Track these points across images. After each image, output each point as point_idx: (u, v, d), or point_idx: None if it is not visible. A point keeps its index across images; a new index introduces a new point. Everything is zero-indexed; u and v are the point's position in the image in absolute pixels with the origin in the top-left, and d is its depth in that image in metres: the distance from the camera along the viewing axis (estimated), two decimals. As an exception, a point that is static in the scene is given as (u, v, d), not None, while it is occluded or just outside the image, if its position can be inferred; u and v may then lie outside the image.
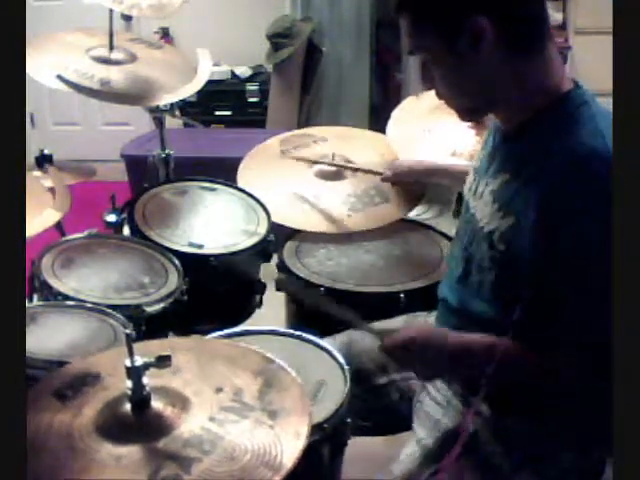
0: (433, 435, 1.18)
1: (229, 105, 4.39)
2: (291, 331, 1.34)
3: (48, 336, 1.32)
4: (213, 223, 1.79)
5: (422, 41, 1.09)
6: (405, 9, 1.09)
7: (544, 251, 1.01)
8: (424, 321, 1.42)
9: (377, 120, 4.14)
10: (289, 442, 0.86)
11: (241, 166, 1.89)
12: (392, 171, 1.75)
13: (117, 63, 1.85)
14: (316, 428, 1.06)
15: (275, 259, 1.76)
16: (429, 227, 1.87)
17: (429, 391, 1.26)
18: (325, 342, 1.31)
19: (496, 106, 1.13)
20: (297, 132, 2.07)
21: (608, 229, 0.88)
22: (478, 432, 1.13)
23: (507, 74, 1.06)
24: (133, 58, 1.90)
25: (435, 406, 1.22)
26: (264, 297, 1.86)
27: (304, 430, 0.88)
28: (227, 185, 1.90)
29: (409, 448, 1.20)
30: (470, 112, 1.16)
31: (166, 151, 2.08)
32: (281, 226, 1.78)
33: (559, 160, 1.00)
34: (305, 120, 4.32)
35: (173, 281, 1.57)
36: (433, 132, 1.84)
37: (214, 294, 1.72)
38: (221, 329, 1.31)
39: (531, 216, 1.02)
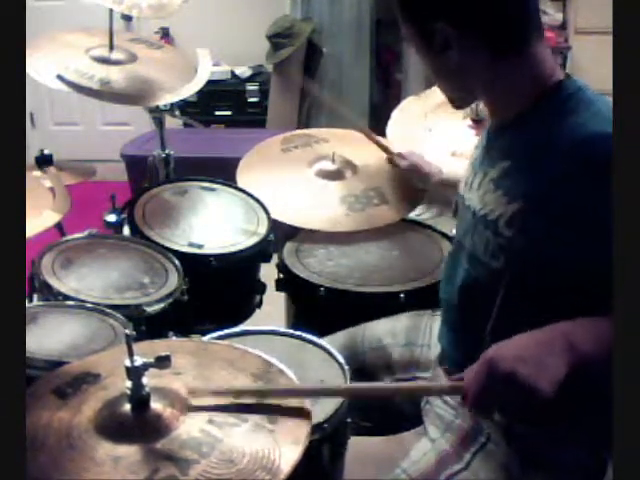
0: (447, 436, 1.17)
1: (229, 105, 4.39)
2: (291, 331, 1.34)
3: (48, 336, 1.32)
4: (213, 223, 1.79)
5: (407, 33, 1.13)
6: (394, 5, 1.12)
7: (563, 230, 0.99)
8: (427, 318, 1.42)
9: (377, 120, 4.14)
10: (288, 446, 0.86)
11: (240, 166, 1.89)
12: (409, 160, 1.74)
13: (117, 63, 1.86)
14: (316, 428, 1.06)
15: (275, 259, 1.76)
16: (429, 227, 1.87)
17: None
18: (327, 341, 1.31)
19: (481, 99, 1.17)
20: (297, 132, 2.07)
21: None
22: (490, 435, 1.13)
23: (489, 73, 1.08)
24: (133, 58, 1.90)
25: (447, 408, 1.22)
26: (264, 297, 1.87)
27: (303, 435, 0.88)
28: (227, 185, 1.90)
29: (421, 447, 1.19)
30: (454, 101, 1.19)
31: (166, 151, 2.09)
32: (281, 226, 1.78)
33: (564, 142, 1.00)
34: (305, 120, 4.32)
35: (173, 281, 1.57)
36: (433, 132, 1.84)
37: (214, 294, 1.72)
38: (221, 329, 1.31)
39: (543, 197, 1.01)
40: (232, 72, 4.42)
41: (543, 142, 1.04)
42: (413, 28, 1.10)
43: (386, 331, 1.43)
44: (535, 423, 1.06)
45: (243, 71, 4.44)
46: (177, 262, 1.61)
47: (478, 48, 1.05)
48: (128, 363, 0.90)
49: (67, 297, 1.44)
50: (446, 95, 1.18)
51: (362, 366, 1.37)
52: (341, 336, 1.44)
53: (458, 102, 1.20)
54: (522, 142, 1.09)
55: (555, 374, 0.88)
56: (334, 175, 1.85)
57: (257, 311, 1.87)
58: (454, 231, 1.80)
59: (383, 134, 1.90)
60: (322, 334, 1.35)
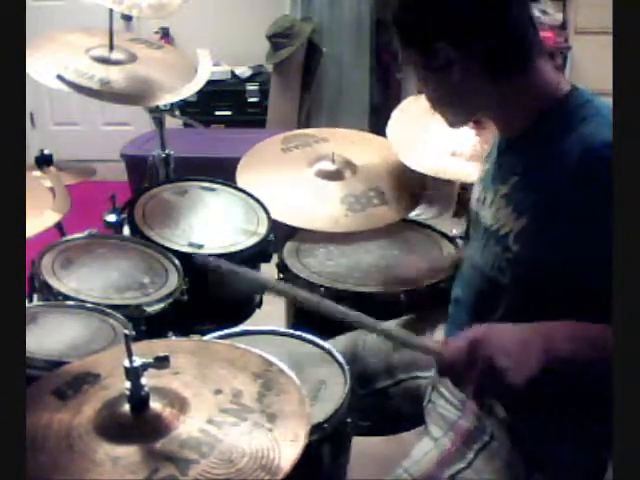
0: (450, 435, 1.17)
1: (229, 105, 4.38)
2: (291, 331, 1.34)
3: (48, 336, 1.32)
4: (213, 223, 1.79)
5: (406, 56, 1.13)
6: (393, 25, 1.12)
7: (572, 240, 1.01)
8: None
9: (377, 120, 4.14)
10: (287, 445, 0.86)
11: (240, 166, 1.89)
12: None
13: (117, 63, 1.86)
14: (316, 428, 1.06)
15: (275, 259, 1.76)
16: (429, 227, 1.87)
17: (442, 392, 1.26)
18: (326, 342, 1.31)
19: (486, 117, 1.18)
20: (298, 132, 2.07)
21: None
22: (494, 434, 1.14)
23: (489, 93, 1.08)
24: (133, 58, 1.90)
25: (450, 408, 1.22)
26: (264, 297, 1.87)
27: (302, 434, 0.88)
28: (227, 185, 1.90)
29: (423, 446, 1.19)
30: (453, 122, 1.19)
31: (166, 151, 2.09)
32: (281, 226, 1.78)
33: (572, 153, 1.00)
34: (305, 120, 4.32)
35: (173, 281, 1.57)
36: (433, 132, 1.83)
37: (214, 294, 1.72)
38: (221, 329, 1.31)
39: (550, 208, 1.02)
40: (232, 72, 4.42)
41: (550, 155, 1.04)
42: (414, 50, 1.10)
43: None
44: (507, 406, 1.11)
45: (243, 71, 4.44)
46: (177, 262, 1.61)
47: (480, 69, 1.05)
48: (127, 363, 0.90)
49: (67, 297, 1.44)
50: (443, 116, 1.18)
51: (363, 370, 1.37)
52: (342, 340, 1.44)
53: (456, 123, 1.20)
54: (530, 156, 1.09)
55: (529, 372, 0.94)
56: (334, 175, 1.85)
57: (257, 311, 1.87)
58: (454, 231, 1.81)
59: (383, 134, 1.90)
60: (322, 334, 1.35)
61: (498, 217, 1.12)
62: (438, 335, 1.36)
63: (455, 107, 1.15)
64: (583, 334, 0.98)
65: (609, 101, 1.04)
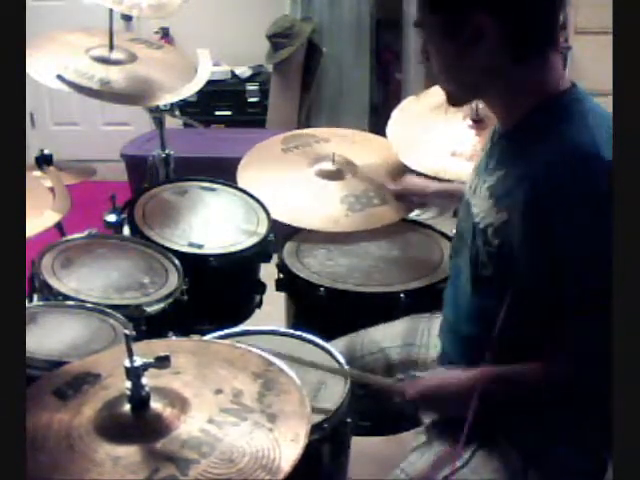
0: (446, 435, 1.17)
1: (229, 105, 4.38)
2: (291, 331, 1.34)
3: (48, 336, 1.32)
4: (213, 223, 1.79)
5: (428, 21, 1.10)
6: None
7: (532, 249, 1.03)
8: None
9: (377, 120, 4.14)
10: (287, 445, 0.86)
11: (240, 166, 1.89)
12: (402, 184, 1.75)
13: (117, 63, 1.86)
14: (316, 428, 1.06)
15: (275, 259, 1.76)
16: (429, 227, 1.87)
17: None
18: (326, 343, 1.31)
19: (481, 99, 1.16)
20: (298, 132, 2.07)
21: (591, 225, 0.95)
22: (490, 434, 1.13)
23: (501, 75, 1.07)
24: (133, 58, 1.90)
25: None
26: (264, 297, 1.87)
27: (303, 434, 0.88)
28: (227, 185, 1.90)
29: (420, 446, 1.19)
30: (454, 97, 1.16)
31: (166, 151, 2.09)
32: (281, 226, 1.78)
33: (544, 157, 1.01)
34: (305, 120, 4.32)
35: (173, 281, 1.57)
36: (433, 132, 1.83)
37: (214, 294, 1.73)
38: (221, 329, 1.31)
39: (519, 213, 1.03)
40: (232, 72, 4.42)
41: (527, 156, 1.05)
42: (443, 16, 1.06)
43: (384, 335, 1.43)
44: None
45: (243, 71, 4.44)
46: (177, 262, 1.61)
47: (504, 46, 1.03)
48: (127, 363, 0.90)
49: (67, 297, 1.44)
50: (447, 90, 1.15)
51: (362, 370, 1.37)
52: (340, 342, 1.44)
53: (457, 99, 1.18)
54: (515, 152, 1.09)
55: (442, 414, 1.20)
56: (334, 175, 1.85)
57: (257, 311, 1.87)
58: (454, 231, 1.80)
59: (383, 134, 1.90)
60: (322, 334, 1.36)
61: (481, 208, 1.12)
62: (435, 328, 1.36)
63: (464, 82, 1.12)
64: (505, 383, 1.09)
65: (606, 105, 1.04)
